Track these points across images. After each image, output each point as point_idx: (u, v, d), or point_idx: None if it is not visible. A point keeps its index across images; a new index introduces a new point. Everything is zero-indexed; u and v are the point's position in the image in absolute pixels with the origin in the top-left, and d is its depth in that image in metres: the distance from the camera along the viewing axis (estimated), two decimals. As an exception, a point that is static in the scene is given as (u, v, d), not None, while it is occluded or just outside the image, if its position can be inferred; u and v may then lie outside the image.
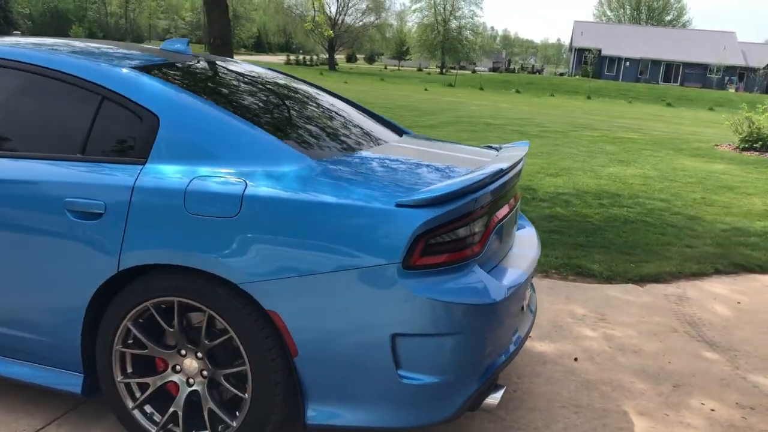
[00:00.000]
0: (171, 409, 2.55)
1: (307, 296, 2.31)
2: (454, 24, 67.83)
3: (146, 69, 2.79)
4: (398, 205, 2.27)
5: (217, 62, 3.43)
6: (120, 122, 2.61)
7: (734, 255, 5.83)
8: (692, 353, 3.82)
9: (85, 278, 2.52)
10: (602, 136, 15.63)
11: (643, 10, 76.41)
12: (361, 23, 62.24)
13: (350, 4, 56.11)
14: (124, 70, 2.71)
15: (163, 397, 2.60)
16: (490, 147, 3.47)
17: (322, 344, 2.34)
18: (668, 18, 76.78)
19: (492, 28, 68.39)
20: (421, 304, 2.27)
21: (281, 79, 3.49)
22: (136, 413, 2.59)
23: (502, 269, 2.68)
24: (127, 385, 2.61)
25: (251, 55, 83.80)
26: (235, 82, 3.18)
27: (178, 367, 2.56)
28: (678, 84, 58.51)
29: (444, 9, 67.43)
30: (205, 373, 2.53)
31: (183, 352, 2.54)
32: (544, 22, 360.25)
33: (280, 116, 2.87)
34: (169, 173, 2.45)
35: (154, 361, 2.61)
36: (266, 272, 2.32)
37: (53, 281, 2.57)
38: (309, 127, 2.90)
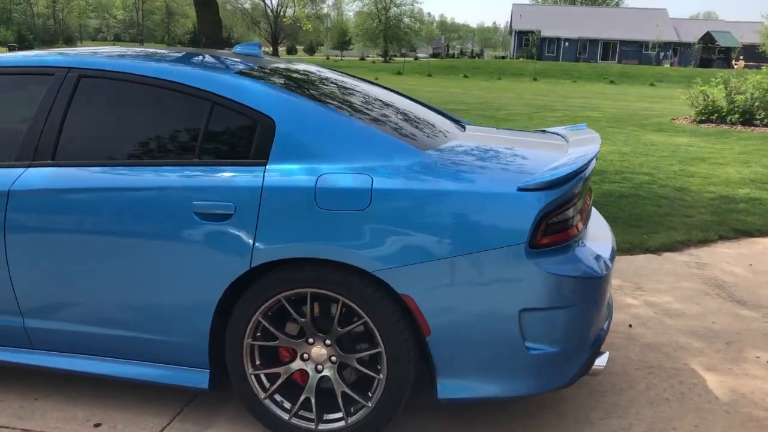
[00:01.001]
0: (303, 396, 2.69)
1: (438, 279, 2.48)
2: (394, 11, 68.18)
3: (250, 74, 2.90)
4: (520, 189, 2.46)
5: (294, 65, 3.53)
6: (236, 126, 2.72)
7: (731, 221, 6.23)
8: (730, 313, 4.13)
9: (215, 277, 2.63)
10: (565, 116, 16.11)
11: (578, -9, 78.20)
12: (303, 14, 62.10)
13: (291, -4, 56.05)
14: (234, 77, 2.81)
15: (290, 384, 2.74)
16: (545, 131, 3.68)
17: (453, 323, 2.51)
18: (602, -2, 78.77)
19: (429, 14, 68.81)
20: (546, 279, 2.46)
21: (346, 77, 3.62)
22: (268, 402, 2.72)
23: (593, 246, 2.90)
24: (257, 377, 2.73)
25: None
26: (321, 82, 3.28)
27: (305, 356, 2.70)
28: (616, 61, 60.14)
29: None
30: (333, 358, 2.67)
31: (311, 340, 2.68)
32: (478, 6, 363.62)
33: (375, 112, 3.00)
34: (293, 172, 2.58)
35: (282, 352, 2.74)
36: (399, 259, 2.47)
37: (183, 283, 2.67)
38: (400, 121, 3.04)
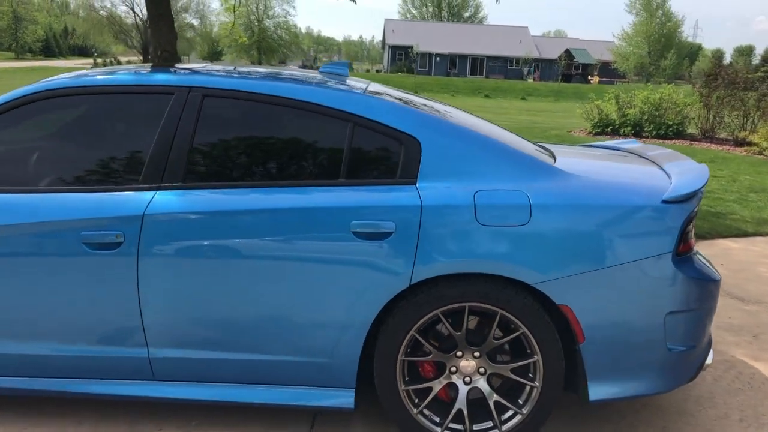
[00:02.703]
0: (455, 408, 2.76)
1: (593, 289, 2.64)
2: (268, 23, 67.72)
3: (382, 95, 2.93)
4: (664, 202, 2.68)
5: (381, 86, 3.53)
6: (380, 147, 2.74)
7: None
8: (737, 308, 4.59)
9: (373, 295, 2.64)
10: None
11: (444, 8, 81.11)
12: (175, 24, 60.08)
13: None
14: (375, 98, 2.84)
15: (435, 398, 2.80)
16: (604, 146, 3.91)
17: (606, 329, 2.68)
18: (467, 14, 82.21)
19: (295, 25, 68.67)
20: (688, 284, 2.70)
21: (428, 99, 3.65)
22: (420, 417, 2.76)
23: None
24: (407, 392, 2.76)
25: (42, 60, 76.95)
26: (423, 103, 3.30)
27: (453, 368, 2.77)
28: (483, 76, 62.96)
29: (257, 8, 66.95)
30: (482, 370, 2.76)
31: (459, 353, 2.75)
32: (342, 19, 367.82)
33: (492, 132, 3.12)
34: (449, 191, 2.65)
35: (427, 367, 2.79)
36: (557, 271, 2.61)
37: (338, 303, 2.65)
38: (515, 140, 3.16)
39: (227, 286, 2.67)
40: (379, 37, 65.14)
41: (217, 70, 3.05)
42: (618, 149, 3.77)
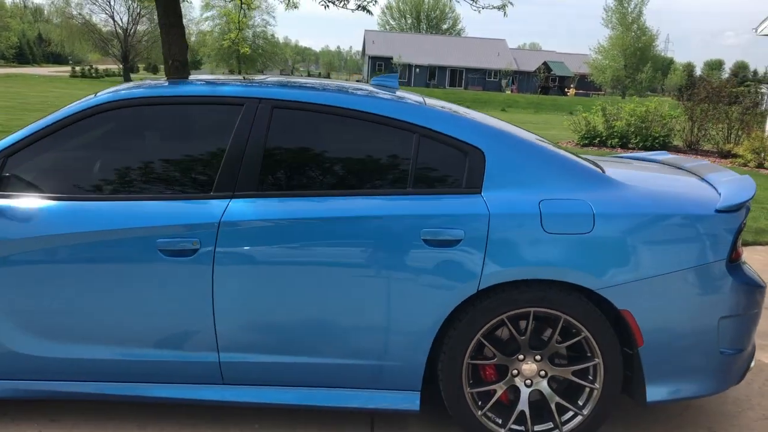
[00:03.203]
0: (518, 409, 2.85)
1: (653, 294, 2.76)
2: (249, 33, 67.58)
3: (442, 107, 3.03)
4: (718, 211, 2.81)
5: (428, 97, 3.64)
6: (445, 157, 2.84)
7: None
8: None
9: (442, 300, 2.73)
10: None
11: (423, 20, 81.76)
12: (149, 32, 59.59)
13: (143, 13, 53.54)
14: (438, 110, 2.94)
15: (498, 400, 2.89)
16: (643, 158, 4.03)
17: (663, 333, 2.79)
18: (445, 26, 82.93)
19: (272, 35, 68.81)
20: (740, 290, 2.83)
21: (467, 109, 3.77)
22: (484, 419, 2.85)
23: None
24: (472, 395, 2.85)
25: (15, 66, 75.87)
26: (479, 115, 3.41)
27: (515, 371, 2.87)
28: (463, 88, 63.50)
29: (238, 18, 66.77)
30: (543, 372, 2.86)
31: (521, 356, 2.85)
32: (319, 30, 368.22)
33: (545, 143, 3.23)
34: (515, 200, 2.75)
35: (488, 370, 2.88)
36: (619, 277, 2.73)
37: (408, 308, 2.74)
38: (566, 150, 3.28)
39: (299, 291, 2.74)
40: (356, 48, 65.17)
41: (281, 83, 3.13)
42: (652, 161, 3.90)
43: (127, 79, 54.79)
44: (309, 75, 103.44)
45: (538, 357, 2.85)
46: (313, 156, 2.91)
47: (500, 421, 2.87)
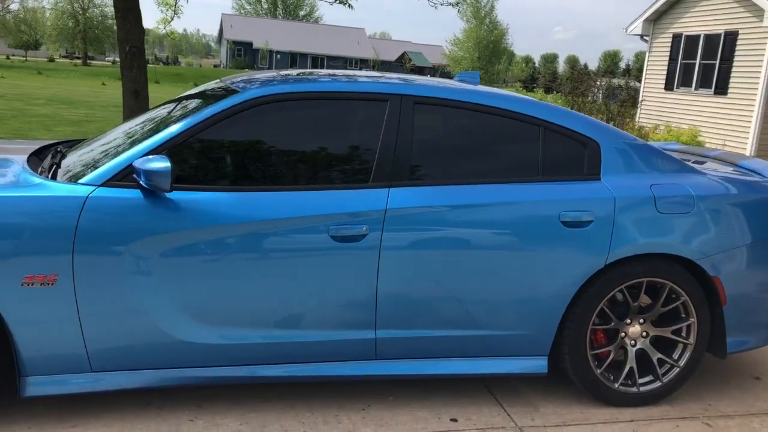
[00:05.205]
0: (627, 367, 3.31)
1: (736, 261, 3.31)
2: (95, 12, 63.47)
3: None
4: (780, 191, 3.42)
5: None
6: (568, 148, 3.23)
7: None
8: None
9: (575, 274, 3.12)
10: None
11: (279, 5, 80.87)
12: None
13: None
14: (558, 107, 3.29)
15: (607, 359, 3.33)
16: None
17: (741, 294, 3.35)
18: (302, 13, 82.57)
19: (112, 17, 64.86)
20: None
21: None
22: (600, 377, 3.27)
23: None
24: (592, 356, 3.26)
25: None
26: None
27: (623, 334, 3.31)
28: (324, 75, 63.71)
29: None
30: (645, 333, 3.33)
31: (628, 320, 3.30)
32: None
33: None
34: (632, 185, 3.19)
35: (600, 334, 3.31)
36: (712, 249, 3.25)
37: (547, 282, 3.10)
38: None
39: (456, 271, 3.02)
40: (204, 31, 63.24)
41: (426, 82, 3.36)
42: (670, 150, 4.51)
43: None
44: (156, 58, 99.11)
45: (641, 320, 3.31)
46: (454, 148, 3.16)
47: (612, 377, 3.31)
